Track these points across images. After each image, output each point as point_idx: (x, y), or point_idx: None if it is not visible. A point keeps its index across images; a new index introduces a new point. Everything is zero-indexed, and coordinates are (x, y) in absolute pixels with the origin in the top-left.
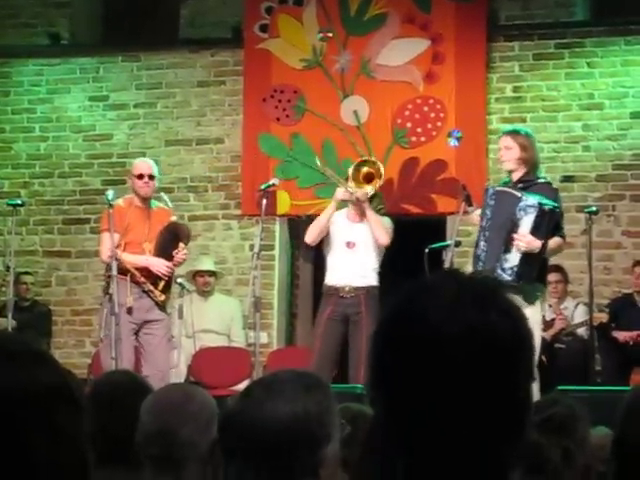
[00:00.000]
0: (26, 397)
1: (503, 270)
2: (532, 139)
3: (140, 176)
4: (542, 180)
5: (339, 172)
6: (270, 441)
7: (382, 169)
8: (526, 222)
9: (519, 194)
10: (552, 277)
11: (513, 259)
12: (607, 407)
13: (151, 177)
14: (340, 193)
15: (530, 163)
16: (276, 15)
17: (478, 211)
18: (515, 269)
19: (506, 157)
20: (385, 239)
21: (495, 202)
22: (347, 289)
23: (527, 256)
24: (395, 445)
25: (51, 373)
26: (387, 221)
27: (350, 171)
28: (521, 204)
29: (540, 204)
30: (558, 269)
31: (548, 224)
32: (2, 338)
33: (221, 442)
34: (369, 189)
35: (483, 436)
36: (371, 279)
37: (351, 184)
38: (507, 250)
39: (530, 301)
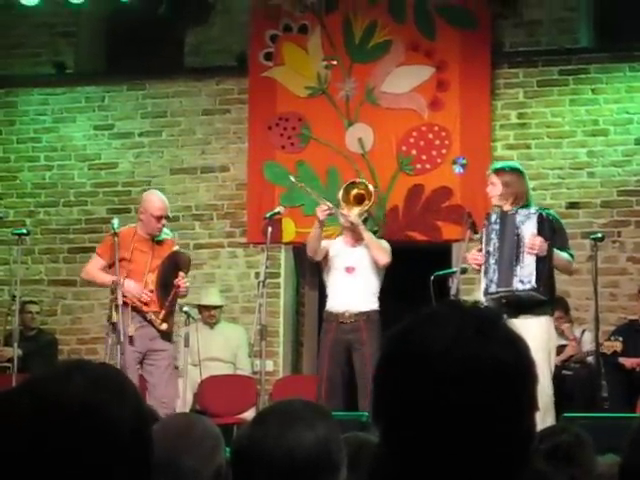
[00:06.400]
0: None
1: (522, 282)
2: (518, 174)
3: (159, 217)
4: (534, 210)
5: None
6: (293, 468)
7: (372, 189)
8: (529, 227)
9: (514, 211)
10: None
11: (528, 266)
12: (614, 434)
13: (167, 218)
14: (320, 211)
15: (516, 197)
16: (281, 43)
17: (473, 250)
18: (533, 276)
19: (491, 193)
20: (385, 259)
21: (500, 226)
22: (347, 315)
23: (540, 262)
24: (399, 474)
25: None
26: (384, 242)
27: (340, 194)
28: (520, 217)
29: (538, 210)
30: (558, 305)
31: (549, 228)
32: (87, 363)
33: (236, 473)
34: (357, 211)
35: (487, 466)
36: (371, 303)
37: (342, 206)
38: (519, 262)
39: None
